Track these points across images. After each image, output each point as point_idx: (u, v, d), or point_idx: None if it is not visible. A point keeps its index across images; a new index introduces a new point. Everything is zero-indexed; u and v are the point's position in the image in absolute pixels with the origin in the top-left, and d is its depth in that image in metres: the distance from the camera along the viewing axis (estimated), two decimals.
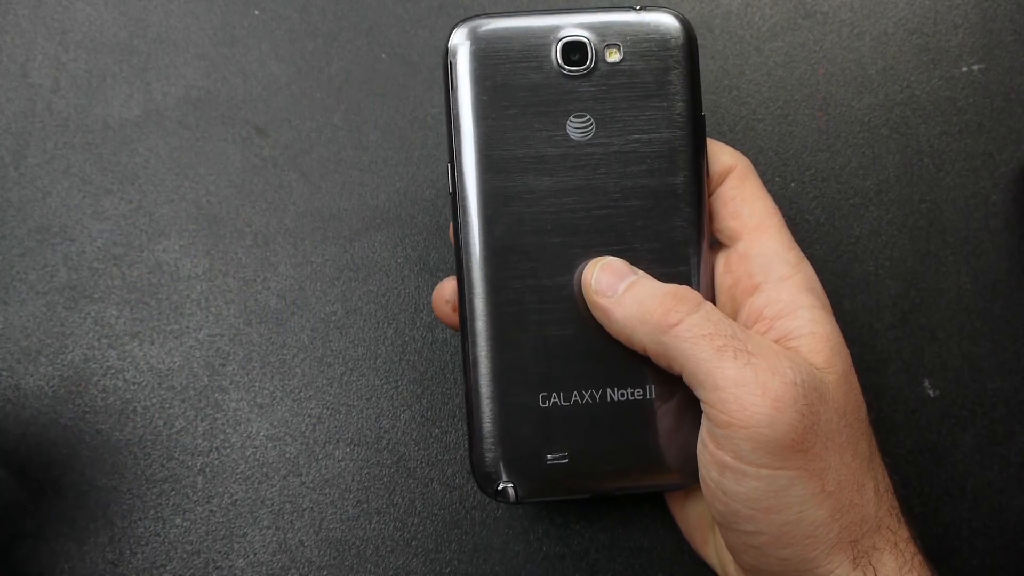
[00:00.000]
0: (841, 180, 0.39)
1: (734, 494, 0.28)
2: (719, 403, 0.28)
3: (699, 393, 0.29)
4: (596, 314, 0.31)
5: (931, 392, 0.38)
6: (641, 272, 0.31)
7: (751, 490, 0.28)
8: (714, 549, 0.33)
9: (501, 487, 0.31)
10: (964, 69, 0.40)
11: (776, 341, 0.30)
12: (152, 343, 0.38)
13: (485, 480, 0.31)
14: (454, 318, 0.33)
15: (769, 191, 0.33)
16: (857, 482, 0.29)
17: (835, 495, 0.28)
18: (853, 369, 0.30)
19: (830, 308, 0.31)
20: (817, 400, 0.28)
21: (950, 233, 0.39)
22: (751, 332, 0.30)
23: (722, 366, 0.28)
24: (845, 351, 0.31)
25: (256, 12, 0.41)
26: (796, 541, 0.28)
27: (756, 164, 0.34)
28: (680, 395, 0.31)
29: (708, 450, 0.29)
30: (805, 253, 0.33)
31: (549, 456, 0.31)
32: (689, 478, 0.32)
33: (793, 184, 0.39)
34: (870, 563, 0.29)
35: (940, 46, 0.40)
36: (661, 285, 0.30)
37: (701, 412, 0.30)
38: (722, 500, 0.29)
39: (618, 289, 0.30)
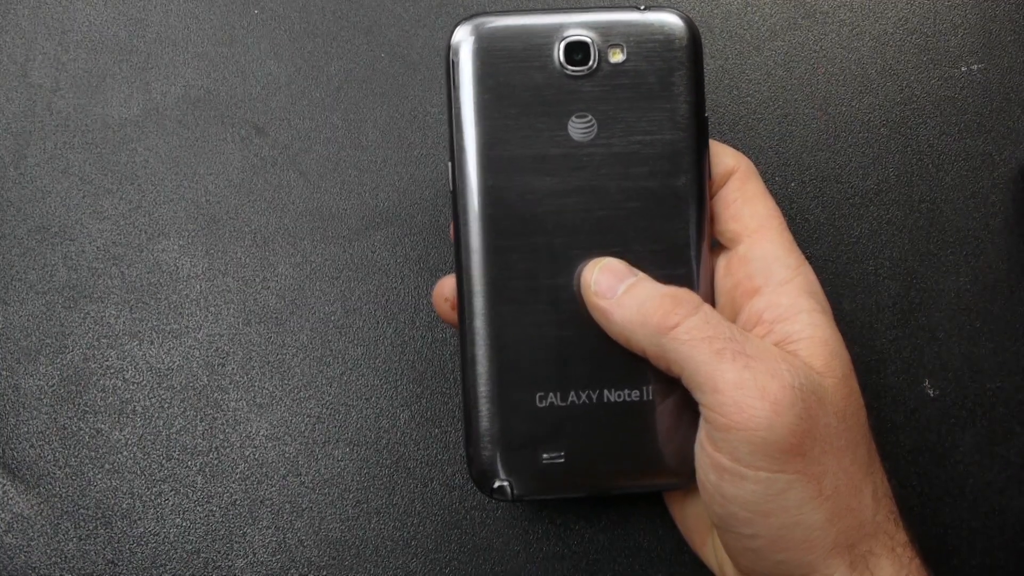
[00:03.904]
0: (841, 180, 0.39)
1: (732, 497, 0.28)
2: (718, 406, 0.28)
3: (697, 396, 0.29)
4: (595, 315, 0.31)
5: (931, 392, 0.38)
6: (641, 274, 0.31)
7: (749, 493, 0.28)
8: (712, 550, 0.33)
9: (497, 485, 0.31)
10: (964, 69, 0.40)
11: (775, 344, 0.30)
12: (152, 343, 0.38)
13: (481, 477, 0.31)
14: (453, 316, 0.33)
15: (769, 191, 0.33)
16: (855, 486, 0.29)
17: (832, 499, 0.28)
18: (853, 373, 0.30)
19: (830, 312, 0.31)
20: (815, 404, 0.28)
21: (950, 233, 0.39)
22: (750, 335, 0.30)
23: (721, 368, 0.28)
24: (845, 355, 0.30)
25: (256, 12, 0.41)
26: (793, 545, 0.28)
27: (756, 164, 0.34)
28: (677, 397, 0.31)
29: (706, 452, 0.29)
30: (805, 253, 0.32)
31: (545, 455, 0.31)
32: (685, 479, 0.31)
33: (793, 184, 0.39)
34: (867, 567, 0.29)
35: (940, 46, 0.40)
36: (660, 287, 0.30)
37: (698, 414, 0.29)
38: (720, 503, 0.29)
39: (617, 291, 0.30)
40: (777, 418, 0.27)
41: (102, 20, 0.40)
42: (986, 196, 0.39)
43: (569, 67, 0.31)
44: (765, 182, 0.34)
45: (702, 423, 0.29)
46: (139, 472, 0.37)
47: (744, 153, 0.34)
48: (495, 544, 0.37)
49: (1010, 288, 0.39)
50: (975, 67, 0.40)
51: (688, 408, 0.31)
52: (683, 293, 0.30)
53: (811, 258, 0.33)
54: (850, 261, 0.39)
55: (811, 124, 0.40)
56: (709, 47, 0.40)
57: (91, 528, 0.37)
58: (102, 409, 0.37)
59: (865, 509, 0.29)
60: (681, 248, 0.31)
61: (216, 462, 0.37)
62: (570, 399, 0.31)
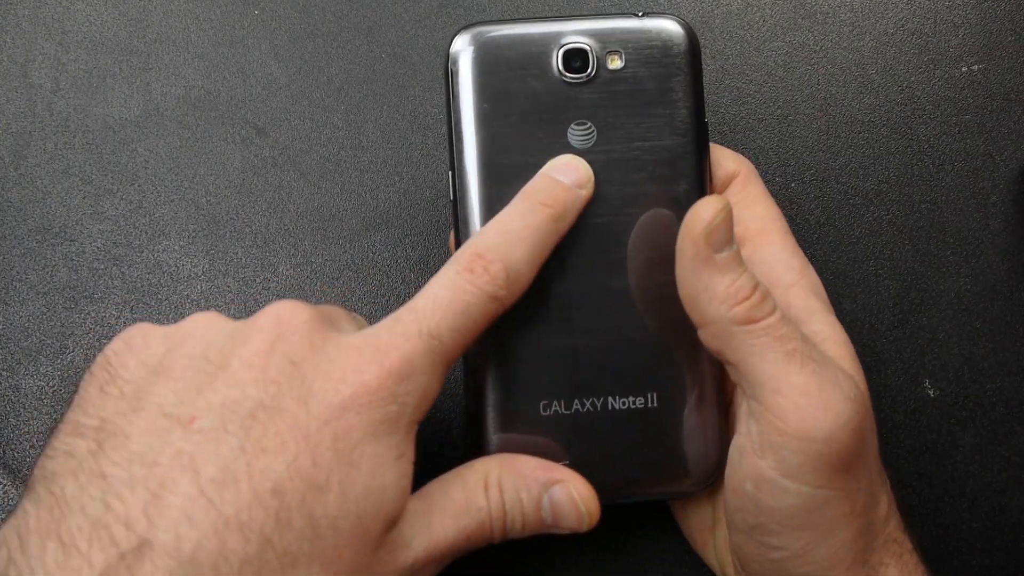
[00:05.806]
0: (841, 180, 0.39)
1: (767, 509, 0.28)
2: (777, 408, 0.27)
3: (754, 393, 0.28)
4: (685, 252, 0.28)
5: (931, 392, 0.38)
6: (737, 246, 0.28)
7: (787, 507, 0.27)
8: (714, 551, 0.33)
9: None
10: (964, 69, 0.40)
11: None
12: None
13: None
14: None
15: (769, 191, 0.33)
16: (875, 500, 0.29)
17: (861, 516, 0.28)
18: None
19: (835, 314, 0.31)
20: (864, 417, 0.28)
21: (950, 233, 0.39)
22: (812, 340, 0.29)
23: (788, 371, 0.27)
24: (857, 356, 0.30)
25: (256, 12, 0.41)
26: (817, 560, 0.28)
27: (756, 165, 0.34)
28: (683, 404, 0.31)
29: (747, 461, 0.28)
30: (805, 253, 0.32)
31: None
32: (692, 487, 0.31)
33: (793, 184, 0.39)
34: None
35: (940, 46, 0.40)
36: (753, 273, 0.28)
37: (703, 421, 0.29)
38: (752, 513, 0.28)
39: (723, 252, 0.28)
40: (838, 432, 0.27)
41: (102, 20, 0.40)
42: (986, 196, 0.39)
43: (568, 75, 0.31)
44: (765, 183, 0.34)
45: (747, 428, 0.28)
46: None
47: (744, 154, 0.34)
48: (494, 544, 0.37)
49: (1010, 288, 0.39)
50: (975, 67, 0.40)
51: (692, 416, 0.31)
52: (766, 289, 0.28)
53: (811, 258, 0.33)
54: (850, 261, 0.39)
55: (811, 124, 0.40)
56: (709, 48, 0.40)
57: None
58: None
59: (880, 522, 0.29)
60: None
61: None
62: (575, 407, 0.31)
